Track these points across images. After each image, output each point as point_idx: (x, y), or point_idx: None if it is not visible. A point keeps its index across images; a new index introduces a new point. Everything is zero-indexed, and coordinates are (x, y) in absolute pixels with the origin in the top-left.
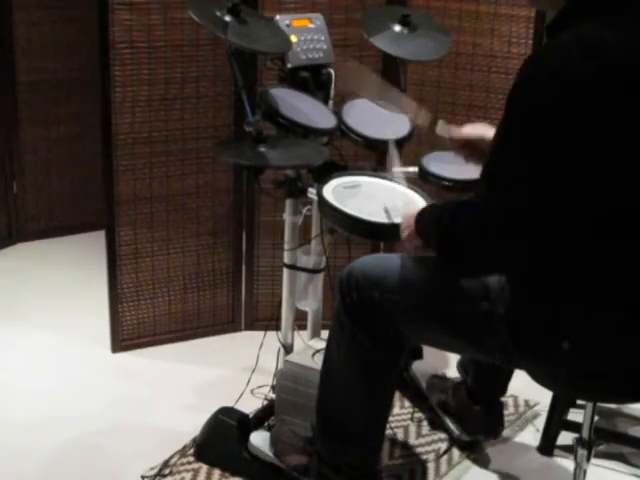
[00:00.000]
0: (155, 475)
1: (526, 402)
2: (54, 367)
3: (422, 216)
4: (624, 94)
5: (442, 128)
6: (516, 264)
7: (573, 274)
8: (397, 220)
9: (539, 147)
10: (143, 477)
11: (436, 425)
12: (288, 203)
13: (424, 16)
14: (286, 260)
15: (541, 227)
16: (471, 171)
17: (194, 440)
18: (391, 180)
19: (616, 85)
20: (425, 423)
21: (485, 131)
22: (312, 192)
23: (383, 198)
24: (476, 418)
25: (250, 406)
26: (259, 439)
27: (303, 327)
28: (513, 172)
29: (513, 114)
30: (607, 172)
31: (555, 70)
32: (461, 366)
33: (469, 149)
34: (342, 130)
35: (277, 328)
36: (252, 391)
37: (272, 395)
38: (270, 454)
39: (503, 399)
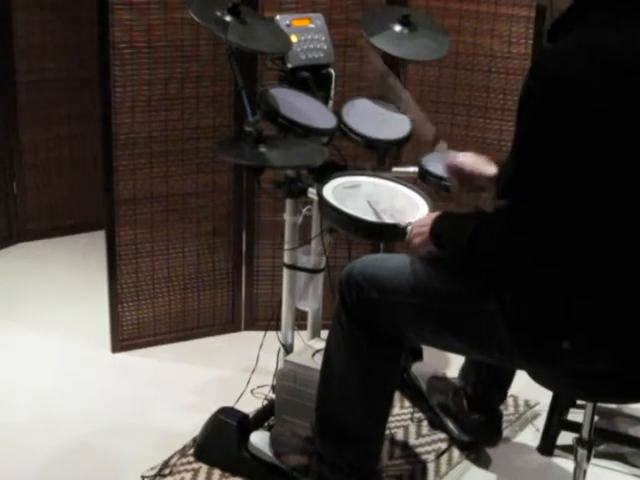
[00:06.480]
0: (155, 475)
1: (526, 402)
2: (54, 367)
3: (439, 226)
4: (628, 97)
5: (442, 148)
6: (522, 265)
7: (575, 275)
8: (388, 220)
9: (553, 153)
10: (143, 477)
11: (436, 425)
12: (288, 203)
13: (424, 16)
14: (286, 260)
15: (551, 229)
16: None
17: (194, 440)
18: (391, 180)
19: (620, 88)
20: (425, 423)
21: (483, 167)
22: (312, 192)
23: (382, 198)
24: (474, 426)
25: (250, 406)
26: (259, 439)
27: (303, 327)
28: (530, 177)
29: (525, 123)
30: (618, 175)
31: (558, 77)
32: (461, 375)
33: (461, 178)
34: (342, 130)
35: (277, 328)
36: (252, 391)
37: (272, 395)
38: (270, 454)
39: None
